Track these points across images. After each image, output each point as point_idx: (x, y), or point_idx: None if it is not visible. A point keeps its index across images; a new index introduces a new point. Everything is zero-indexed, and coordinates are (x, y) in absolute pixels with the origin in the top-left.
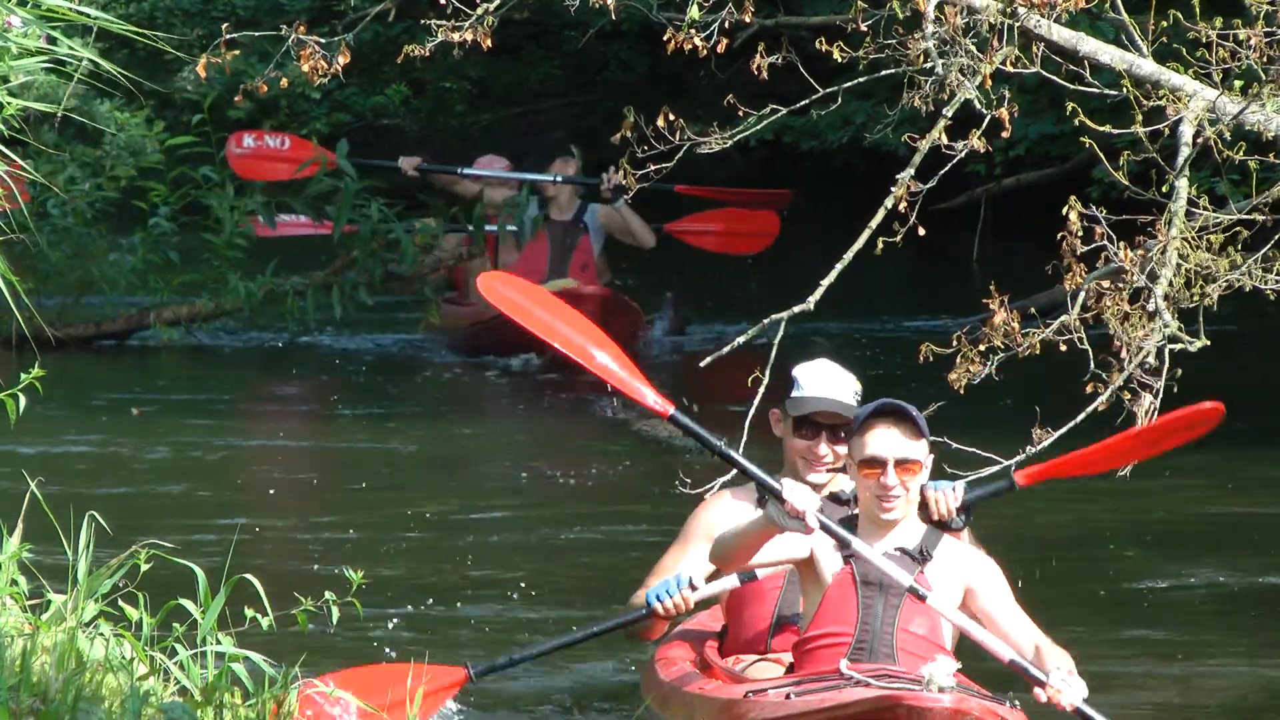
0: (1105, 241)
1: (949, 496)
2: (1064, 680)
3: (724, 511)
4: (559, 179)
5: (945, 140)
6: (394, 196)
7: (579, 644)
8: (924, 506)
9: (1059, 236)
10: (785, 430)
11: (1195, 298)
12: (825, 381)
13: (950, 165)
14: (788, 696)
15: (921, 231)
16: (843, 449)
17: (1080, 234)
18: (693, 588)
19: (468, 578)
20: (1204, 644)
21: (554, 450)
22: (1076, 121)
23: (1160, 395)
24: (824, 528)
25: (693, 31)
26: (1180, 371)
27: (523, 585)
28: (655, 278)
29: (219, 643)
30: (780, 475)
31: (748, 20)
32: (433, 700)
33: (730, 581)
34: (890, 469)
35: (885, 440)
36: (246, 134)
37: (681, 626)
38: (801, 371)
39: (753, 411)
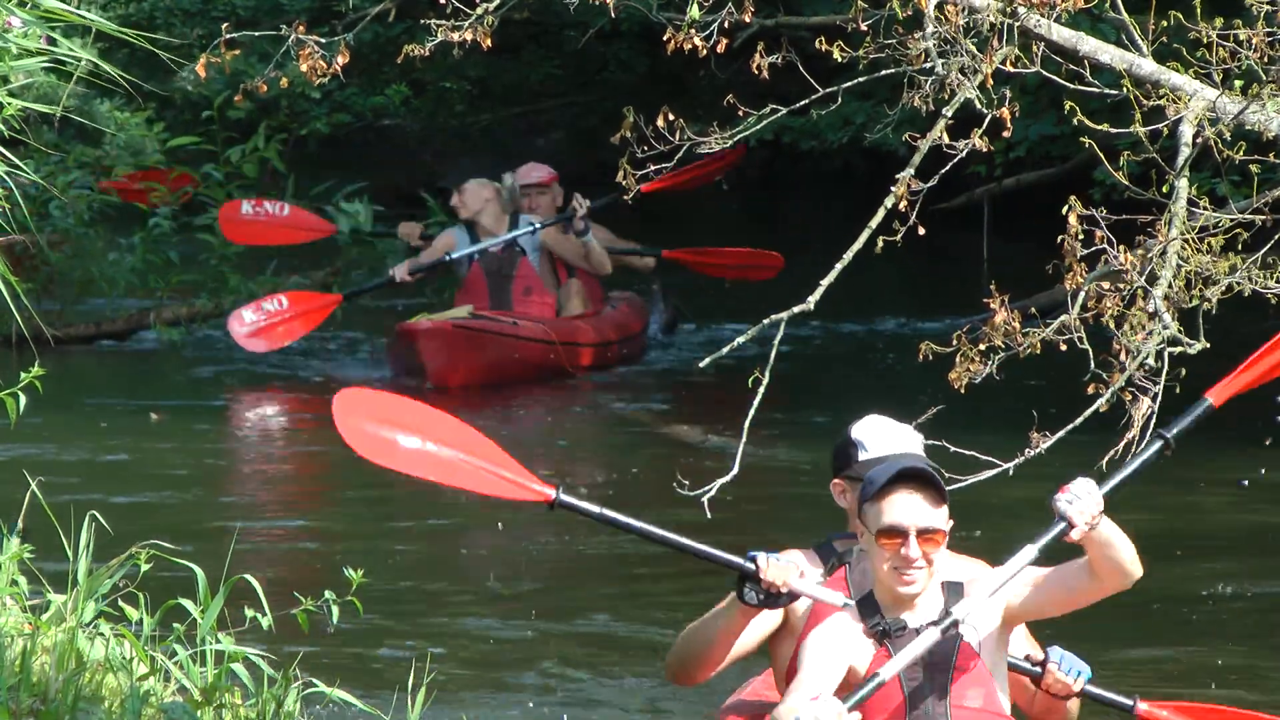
0: (1105, 245)
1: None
2: (1070, 503)
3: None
4: (538, 226)
5: (946, 140)
6: (389, 202)
7: (670, 546)
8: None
9: (1059, 240)
10: (856, 499)
11: (1195, 300)
12: (893, 437)
13: (951, 165)
14: None
15: (921, 231)
16: None
17: (1080, 236)
18: (801, 575)
19: (468, 579)
20: (1238, 657)
21: (555, 452)
22: (1075, 121)
23: (1159, 398)
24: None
25: (693, 31)
26: (1184, 371)
27: (523, 586)
28: (667, 276)
29: (218, 642)
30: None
31: (748, 20)
32: (508, 487)
33: (836, 598)
34: (912, 540)
35: (908, 508)
36: (245, 201)
37: (737, 698)
38: (863, 432)
39: (751, 414)
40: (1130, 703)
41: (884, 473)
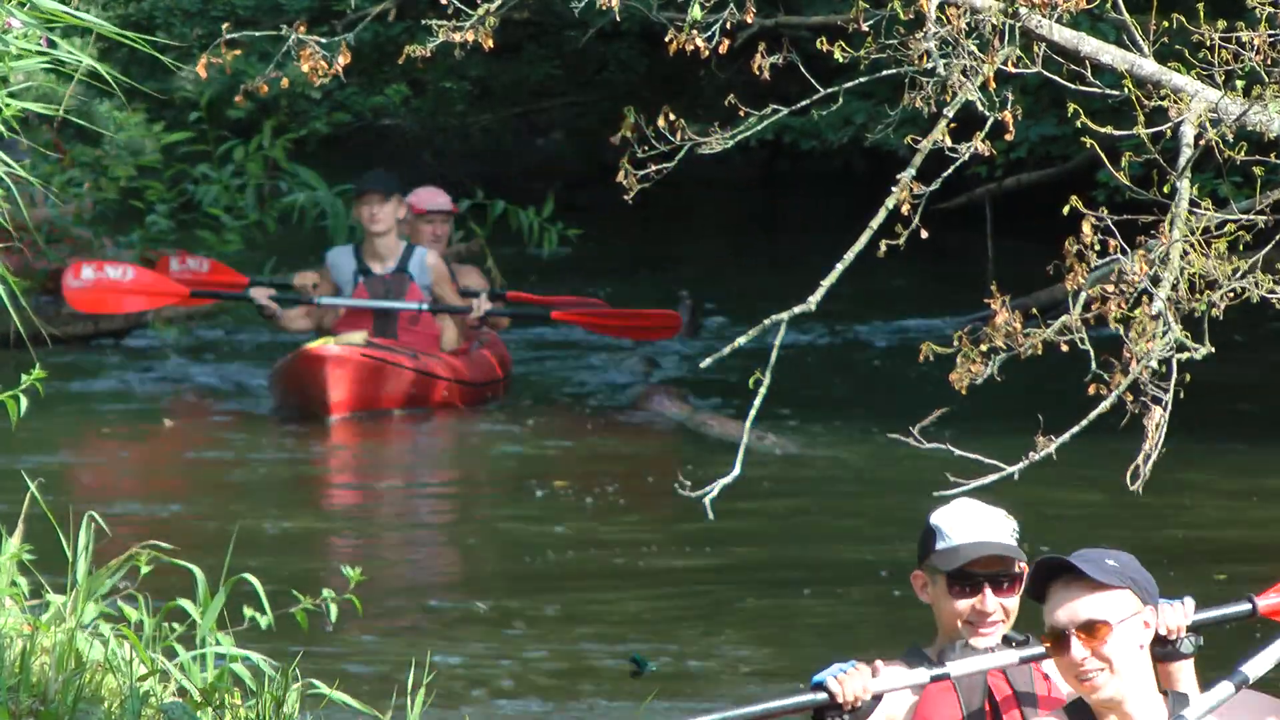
0: (1119, 253)
1: (1177, 611)
2: (1169, 614)
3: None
4: (425, 305)
5: (949, 142)
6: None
7: None
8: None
9: (1074, 245)
10: (936, 592)
11: (1202, 305)
12: (975, 523)
13: (952, 168)
14: None
15: (924, 234)
16: (1011, 601)
17: (1096, 247)
18: (875, 672)
19: (468, 580)
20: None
21: (556, 453)
22: (1079, 123)
23: (1170, 407)
24: None
25: (694, 32)
26: (1189, 377)
27: (523, 588)
28: (668, 276)
29: (218, 643)
30: (936, 646)
31: (749, 20)
32: None
33: (919, 676)
34: (1074, 640)
35: (1061, 607)
36: (86, 264)
37: None
38: (942, 518)
39: (752, 414)
40: (1248, 606)
41: (1030, 574)
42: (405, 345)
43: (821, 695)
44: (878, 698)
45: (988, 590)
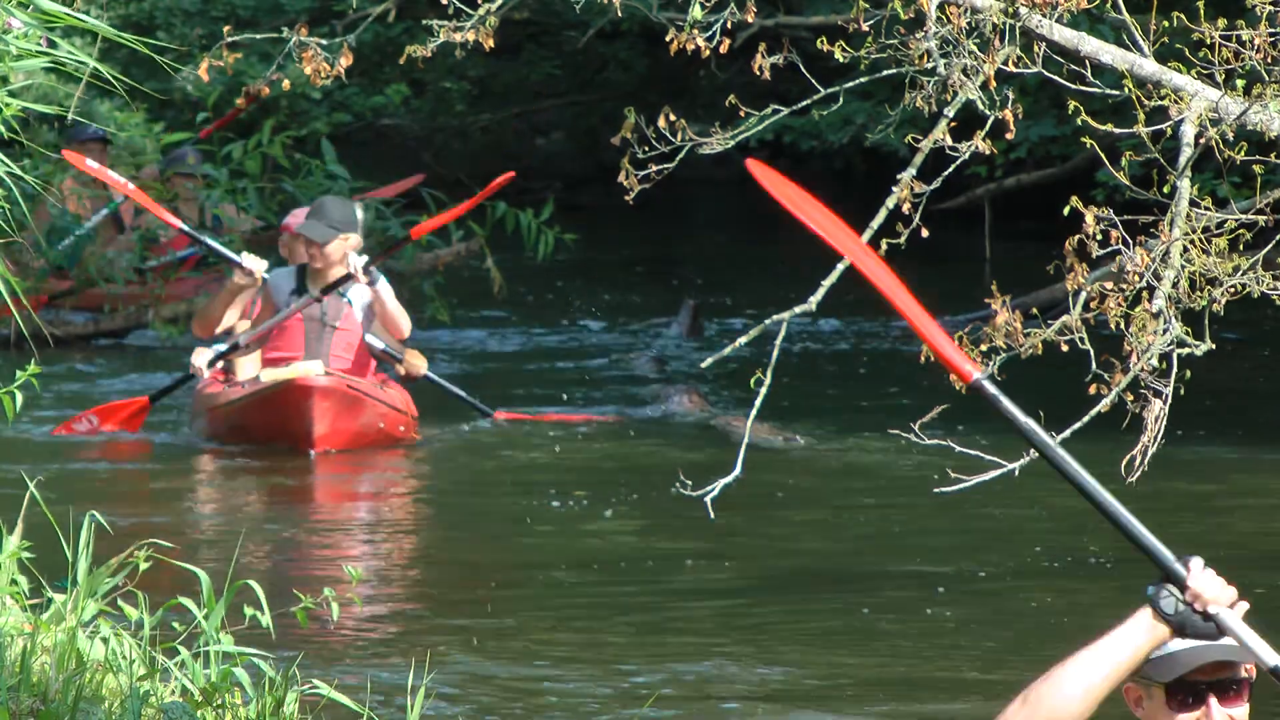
0: (1121, 245)
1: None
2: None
3: None
4: (316, 295)
5: (949, 141)
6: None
7: (1100, 508)
8: None
9: (1070, 238)
10: (1153, 708)
11: (1203, 302)
12: None
13: (953, 167)
14: None
15: (925, 233)
16: (1240, 710)
17: (1097, 236)
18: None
19: (467, 580)
20: None
21: (568, 455)
22: (1079, 121)
23: (1169, 400)
24: None
25: (695, 32)
26: (1189, 373)
27: (522, 587)
28: (668, 276)
29: (219, 643)
30: None
31: (749, 20)
32: None
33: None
34: None
35: None
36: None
37: None
38: None
39: (754, 414)
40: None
41: None
42: (348, 374)
43: (1178, 567)
44: (1219, 633)
45: (1213, 701)
